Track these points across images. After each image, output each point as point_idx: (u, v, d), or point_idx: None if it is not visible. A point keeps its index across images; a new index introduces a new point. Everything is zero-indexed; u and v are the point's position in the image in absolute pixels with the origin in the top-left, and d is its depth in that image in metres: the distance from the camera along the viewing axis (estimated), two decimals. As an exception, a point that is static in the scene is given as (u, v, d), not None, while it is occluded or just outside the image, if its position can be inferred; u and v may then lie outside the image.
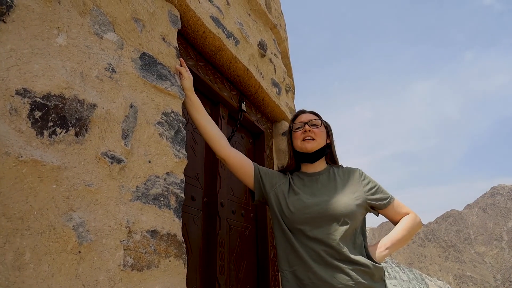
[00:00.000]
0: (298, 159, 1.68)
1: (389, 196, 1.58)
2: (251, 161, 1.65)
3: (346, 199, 1.49)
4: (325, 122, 1.73)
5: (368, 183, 1.59)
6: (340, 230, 1.42)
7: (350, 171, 1.64)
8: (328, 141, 1.71)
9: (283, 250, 1.49)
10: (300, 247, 1.43)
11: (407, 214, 1.59)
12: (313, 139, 1.61)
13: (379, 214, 1.61)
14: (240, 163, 1.61)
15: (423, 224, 1.63)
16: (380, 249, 1.49)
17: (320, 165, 1.67)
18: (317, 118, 1.68)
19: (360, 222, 1.52)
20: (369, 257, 1.46)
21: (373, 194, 1.56)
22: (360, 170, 1.65)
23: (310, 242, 1.43)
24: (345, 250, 1.39)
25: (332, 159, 1.71)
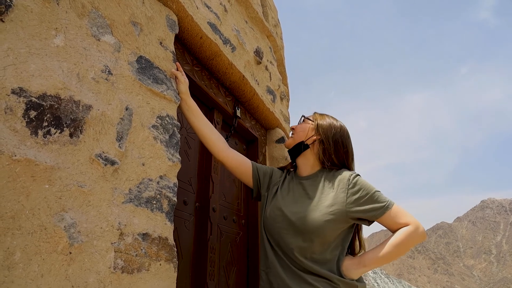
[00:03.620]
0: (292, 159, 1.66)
1: (384, 205, 1.39)
2: (249, 161, 1.65)
3: (317, 214, 1.38)
4: (313, 117, 1.61)
5: (357, 191, 1.40)
6: (303, 246, 1.36)
7: (340, 176, 1.46)
8: (316, 137, 1.54)
9: (262, 251, 1.50)
10: (272, 253, 1.44)
11: (406, 224, 1.38)
12: (292, 136, 1.60)
13: (370, 225, 1.46)
14: (238, 164, 1.62)
15: (426, 235, 1.43)
16: (354, 265, 1.37)
17: (308, 167, 1.56)
18: (304, 116, 1.63)
19: (333, 237, 1.39)
20: (340, 272, 1.36)
21: (360, 205, 1.38)
22: (352, 175, 1.45)
23: (278, 250, 1.42)
24: (309, 265, 1.34)
25: (327, 160, 1.51)
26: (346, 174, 1.46)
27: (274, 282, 1.39)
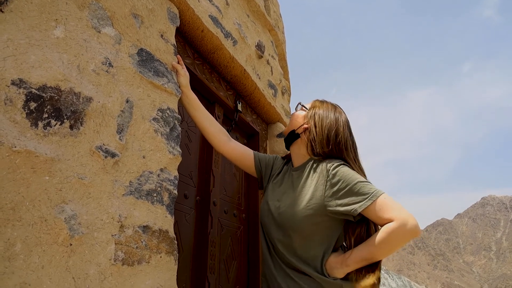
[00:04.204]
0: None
1: (366, 197, 1.23)
2: (251, 153, 1.64)
3: (295, 209, 1.32)
4: (310, 105, 1.53)
5: (336, 183, 1.27)
6: (285, 241, 1.34)
7: (322, 168, 1.34)
8: (306, 126, 1.45)
9: (261, 243, 1.52)
10: (265, 245, 1.45)
11: (390, 220, 1.20)
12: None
13: (356, 219, 1.30)
14: (240, 156, 1.62)
15: (419, 231, 1.23)
16: (337, 264, 1.27)
17: (299, 157, 1.48)
18: (299, 104, 1.56)
19: (314, 233, 1.30)
20: (323, 270, 1.29)
21: (339, 198, 1.26)
22: (333, 165, 1.32)
23: (270, 242, 1.42)
24: (292, 260, 1.30)
25: (315, 148, 1.40)
26: (327, 164, 1.33)
27: (267, 274, 1.39)
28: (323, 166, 1.34)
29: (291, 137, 1.51)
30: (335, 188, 1.27)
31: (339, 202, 1.25)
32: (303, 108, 1.54)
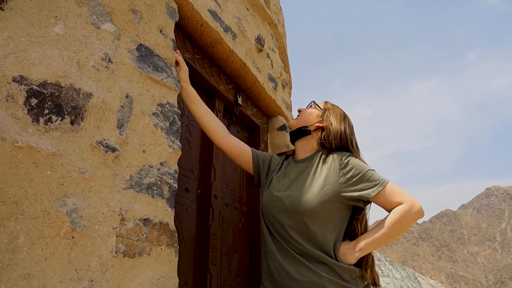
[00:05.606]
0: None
1: (377, 184, 1.38)
2: (249, 149, 1.68)
3: (309, 196, 1.39)
4: (323, 105, 1.64)
5: (349, 171, 1.41)
6: (298, 228, 1.39)
7: (333, 159, 1.47)
8: (320, 124, 1.57)
9: (262, 237, 1.54)
10: (269, 237, 1.47)
11: (400, 203, 1.36)
12: (297, 119, 1.63)
13: (366, 206, 1.47)
14: (238, 151, 1.65)
15: (423, 213, 1.39)
16: (351, 250, 1.38)
17: (306, 151, 1.58)
18: (313, 103, 1.67)
19: (328, 219, 1.40)
20: (336, 256, 1.37)
21: (352, 184, 1.39)
22: (345, 156, 1.45)
23: (275, 233, 1.45)
24: (306, 247, 1.36)
25: (328, 143, 1.52)
26: (339, 155, 1.46)
27: (272, 267, 1.42)
28: (334, 157, 1.46)
29: (300, 132, 1.60)
30: (349, 175, 1.39)
31: (353, 188, 1.38)
32: (317, 107, 1.64)
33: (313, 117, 1.60)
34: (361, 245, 1.37)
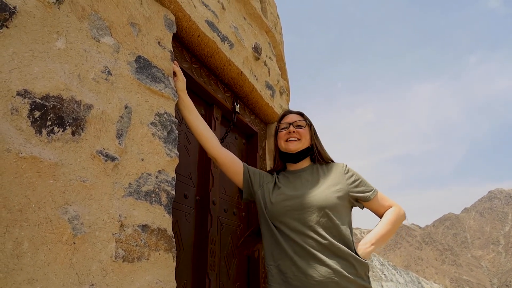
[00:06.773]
0: (283, 159, 1.73)
1: (372, 189, 1.62)
2: (241, 161, 1.71)
3: (327, 191, 1.52)
4: (309, 121, 1.75)
5: (351, 176, 1.62)
6: (321, 222, 1.45)
7: (334, 166, 1.67)
8: (313, 142, 1.72)
9: (268, 246, 1.53)
10: (283, 241, 1.48)
11: (390, 207, 1.62)
12: (298, 140, 1.67)
13: (364, 208, 1.64)
14: (230, 162, 1.67)
15: (406, 218, 1.69)
16: (366, 245, 1.51)
17: (304, 163, 1.71)
18: (303, 119, 1.72)
19: (344, 215, 1.52)
20: (355, 251, 1.47)
21: (356, 186, 1.60)
22: (344, 164, 1.68)
23: (292, 234, 1.46)
24: (327, 241, 1.42)
25: (320, 158, 1.70)
26: (337, 163, 1.69)
27: (288, 272, 1.43)
28: (333, 166, 1.67)
29: (304, 152, 1.70)
30: (352, 179, 1.61)
31: (357, 189, 1.60)
32: (308, 124, 1.74)
33: (308, 136, 1.71)
34: (374, 240, 1.54)
